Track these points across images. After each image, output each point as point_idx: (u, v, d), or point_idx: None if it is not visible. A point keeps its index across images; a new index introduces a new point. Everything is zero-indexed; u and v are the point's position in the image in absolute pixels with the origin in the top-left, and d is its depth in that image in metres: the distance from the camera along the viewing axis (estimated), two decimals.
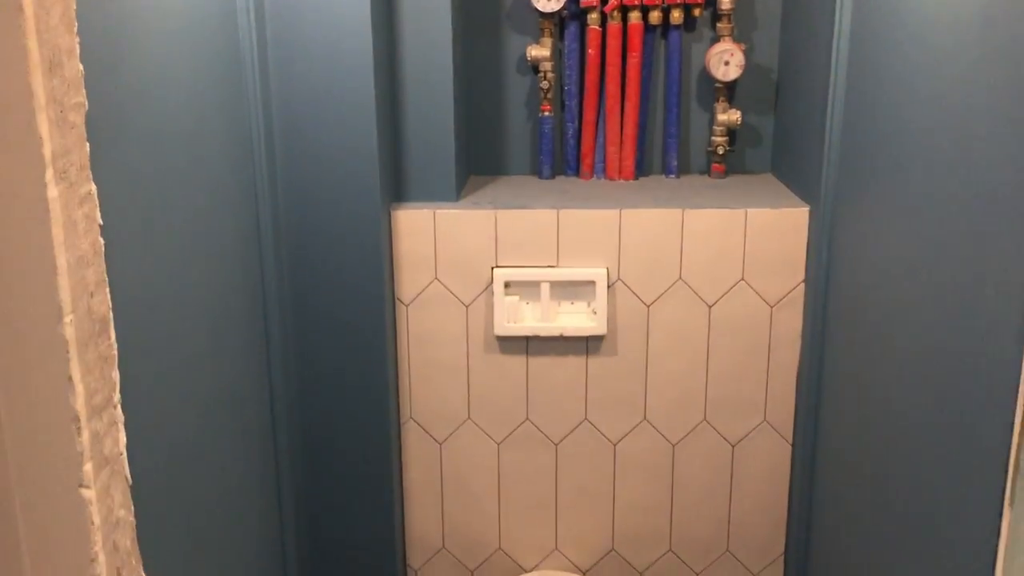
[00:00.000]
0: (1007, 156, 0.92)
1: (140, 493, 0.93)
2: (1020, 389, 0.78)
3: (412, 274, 1.68)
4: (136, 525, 0.85)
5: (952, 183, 1.08)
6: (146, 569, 0.87)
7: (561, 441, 1.76)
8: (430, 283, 1.69)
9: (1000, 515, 0.79)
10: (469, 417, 1.75)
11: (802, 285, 1.66)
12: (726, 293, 1.67)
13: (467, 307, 1.70)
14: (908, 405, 1.21)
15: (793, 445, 1.73)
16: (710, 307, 1.68)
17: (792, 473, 1.74)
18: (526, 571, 1.82)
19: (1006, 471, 0.79)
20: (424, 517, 1.80)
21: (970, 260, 1.01)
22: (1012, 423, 0.77)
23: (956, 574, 1.03)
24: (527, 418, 1.75)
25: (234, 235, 1.39)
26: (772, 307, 1.67)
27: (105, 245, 0.76)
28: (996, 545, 0.79)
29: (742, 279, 1.66)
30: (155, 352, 1.07)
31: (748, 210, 1.64)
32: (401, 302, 1.70)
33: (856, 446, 1.44)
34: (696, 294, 1.67)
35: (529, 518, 1.80)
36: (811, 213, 1.62)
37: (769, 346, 1.69)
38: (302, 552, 1.71)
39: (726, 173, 1.90)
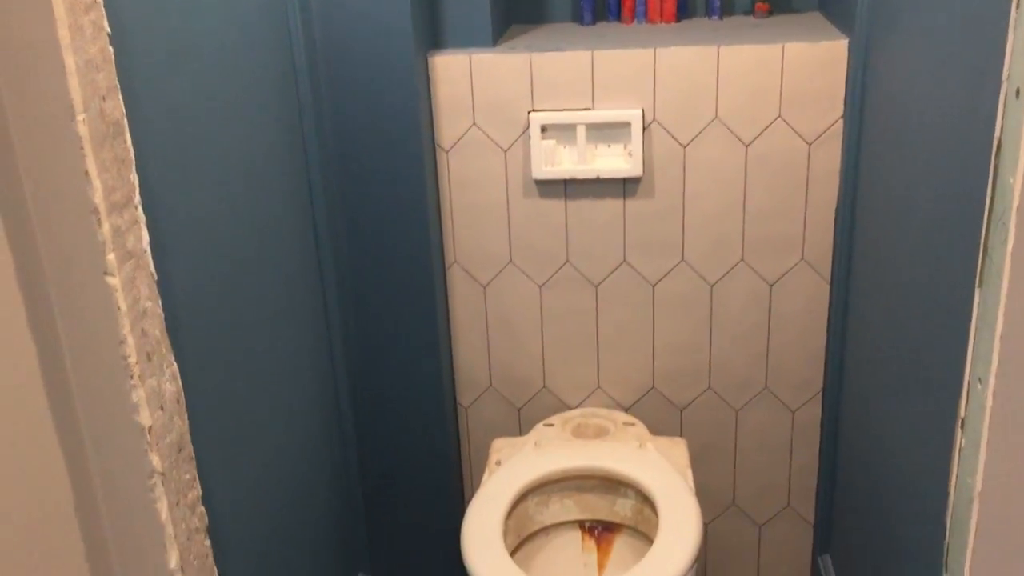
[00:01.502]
0: None
1: (191, 327, 1.02)
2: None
3: (451, 120, 1.72)
4: (183, 357, 0.93)
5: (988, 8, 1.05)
6: (195, 398, 0.97)
7: (601, 283, 1.80)
8: (468, 129, 1.72)
9: (972, 296, 0.81)
10: (511, 260, 1.81)
11: (840, 121, 1.64)
12: (763, 131, 1.66)
13: (505, 152, 1.73)
14: (940, 237, 1.21)
15: (831, 283, 1.74)
16: (747, 146, 1.68)
17: (830, 310, 1.76)
18: (570, 408, 1.90)
19: (976, 254, 0.80)
20: (471, 357, 1.89)
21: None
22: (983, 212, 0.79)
23: (935, 346, 1.06)
24: (567, 261, 1.79)
25: (271, 87, 1.44)
26: (810, 144, 1.66)
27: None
28: (969, 323, 0.81)
29: (779, 116, 1.65)
30: (197, 186, 1.15)
31: (785, 45, 1.61)
32: (441, 148, 1.74)
33: (887, 280, 1.45)
34: (733, 133, 1.67)
35: (572, 358, 1.87)
36: (850, 46, 1.59)
37: (807, 184, 1.69)
38: (356, 395, 1.81)
39: (771, 13, 1.86)
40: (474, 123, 1.72)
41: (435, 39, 1.71)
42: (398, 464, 1.88)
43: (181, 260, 1.08)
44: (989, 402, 0.78)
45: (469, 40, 1.71)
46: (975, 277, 0.82)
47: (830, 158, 1.66)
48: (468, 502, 1.84)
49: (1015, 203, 0.73)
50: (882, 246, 1.47)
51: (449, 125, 1.72)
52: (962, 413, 0.84)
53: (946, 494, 0.89)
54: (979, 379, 0.80)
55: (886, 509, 1.45)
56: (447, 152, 1.74)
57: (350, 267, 1.74)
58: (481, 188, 1.76)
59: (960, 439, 0.85)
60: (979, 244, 0.82)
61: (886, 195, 1.45)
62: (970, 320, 0.83)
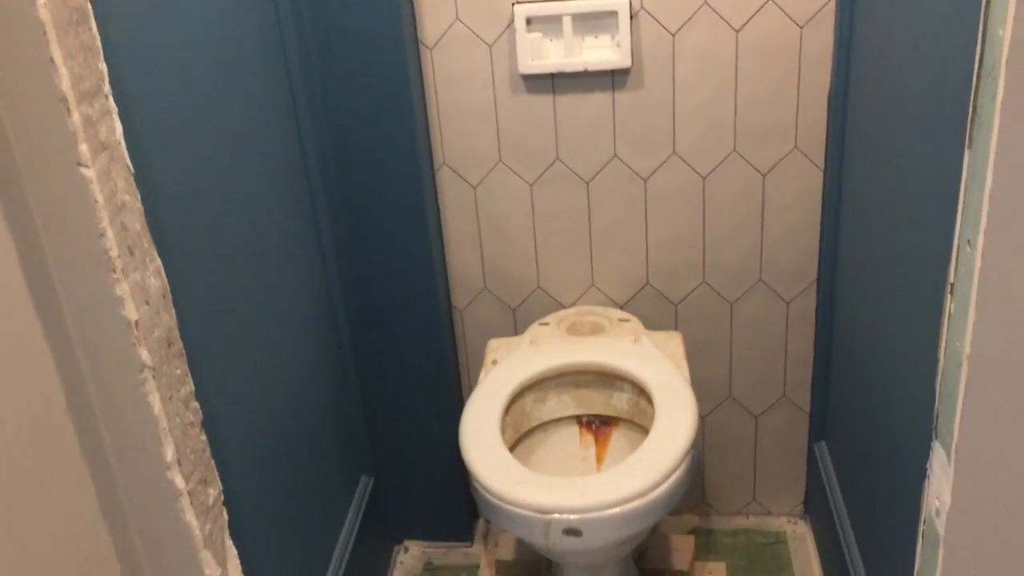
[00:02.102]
0: None
1: (174, 223, 1.00)
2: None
3: (433, 16, 1.68)
4: (167, 254, 0.92)
5: None
6: (183, 295, 0.96)
7: (592, 179, 1.79)
8: (452, 24, 1.68)
9: (962, 157, 0.80)
10: (500, 160, 1.78)
11: (832, 1, 1.59)
12: (754, 15, 1.62)
13: (490, 47, 1.69)
14: (933, 107, 1.19)
15: (824, 171, 1.72)
16: (737, 32, 1.64)
17: (824, 200, 1.74)
18: (565, 307, 1.90)
19: (967, 117, 0.79)
20: (464, 260, 1.88)
21: None
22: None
23: (927, 219, 1.05)
24: (557, 158, 1.77)
25: None
26: (802, 27, 1.62)
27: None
28: (959, 184, 0.80)
29: None
30: (171, 78, 1.12)
31: None
32: (425, 46, 1.70)
33: (880, 161, 1.43)
34: (722, 18, 1.63)
35: (565, 256, 1.86)
36: None
37: (799, 68, 1.65)
38: (350, 301, 1.81)
39: None
40: (457, 18, 1.68)
41: None
42: (395, 368, 1.89)
43: (159, 154, 1.07)
44: (978, 263, 0.77)
45: None
46: (965, 139, 0.80)
47: (822, 40, 1.62)
48: (465, 404, 1.85)
49: (1004, 55, 0.71)
50: (875, 126, 1.45)
51: (432, 21, 1.68)
52: (951, 278, 0.84)
53: (936, 361, 0.89)
54: (968, 241, 0.79)
55: (878, 390, 1.46)
56: (431, 50, 1.71)
57: (338, 172, 1.72)
58: (467, 86, 1.73)
59: (949, 304, 0.84)
60: (969, 106, 0.80)
61: (879, 73, 1.43)
62: (960, 184, 0.82)
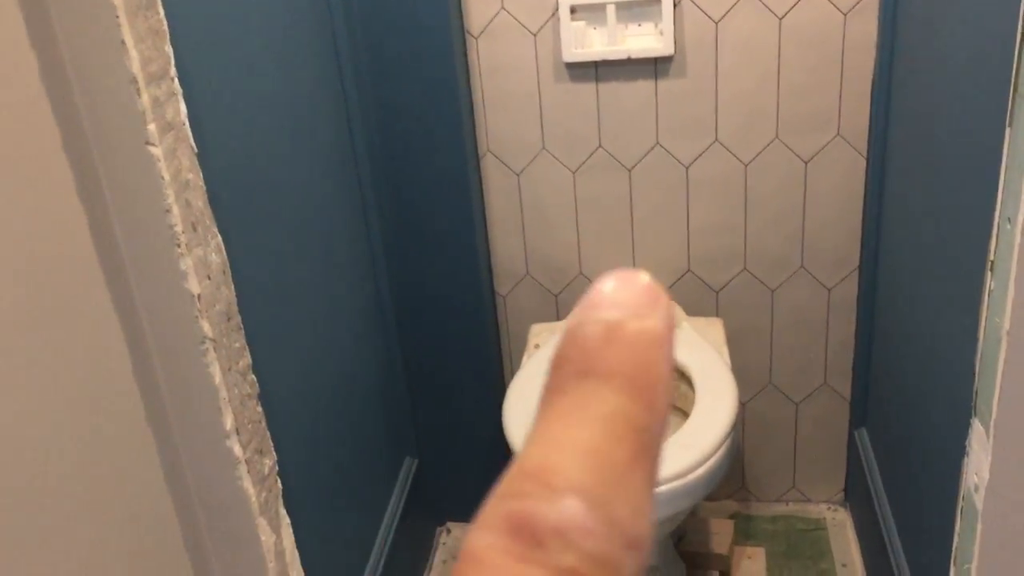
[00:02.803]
0: None
1: (232, 202, 1.05)
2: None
3: (479, 5, 1.71)
4: (225, 231, 0.96)
5: None
6: (239, 272, 1.00)
7: (634, 167, 1.81)
8: (497, 13, 1.71)
9: (1001, 138, 0.81)
10: (544, 147, 1.81)
11: None
12: (798, 2, 1.63)
13: (535, 36, 1.72)
14: (977, 90, 1.20)
15: (867, 158, 1.72)
16: (780, 19, 1.65)
17: (866, 187, 1.74)
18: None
19: (1008, 100, 0.80)
20: (508, 246, 1.91)
21: None
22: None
23: (960, 186, 1.06)
24: (600, 145, 1.80)
25: None
26: (846, 14, 1.63)
27: None
28: (999, 165, 0.82)
29: None
30: (230, 63, 1.16)
31: None
32: (470, 35, 1.73)
33: (920, 149, 1.43)
34: (765, 5, 1.64)
35: (607, 243, 1.88)
36: None
37: (842, 56, 1.66)
38: (395, 286, 1.85)
39: None
40: (503, 7, 1.71)
41: None
42: (439, 352, 1.92)
43: (218, 136, 1.11)
44: (1017, 239, 0.79)
45: None
46: (1006, 118, 0.82)
47: (866, 27, 1.63)
48: (507, 388, 1.88)
49: None
50: (919, 112, 1.46)
51: (477, 10, 1.71)
52: (991, 256, 0.85)
53: (975, 339, 0.90)
54: (1008, 219, 0.81)
55: (919, 376, 1.47)
56: (476, 38, 1.74)
57: (385, 158, 1.76)
58: (511, 74, 1.76)
59: (989, 281, 0.86)
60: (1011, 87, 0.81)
61: (923, 59, 1.43)
62: (1001, 162, 0.83)
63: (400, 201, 1.79)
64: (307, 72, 1.47)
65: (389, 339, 1.87)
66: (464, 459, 2.03)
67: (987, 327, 0.87)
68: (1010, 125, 0.80)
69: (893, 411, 1.66)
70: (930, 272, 1.40)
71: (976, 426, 0.92)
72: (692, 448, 1.43)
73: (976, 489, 0.92)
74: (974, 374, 0.92)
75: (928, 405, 1.44)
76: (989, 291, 0.86)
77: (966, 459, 0.95)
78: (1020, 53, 0.77)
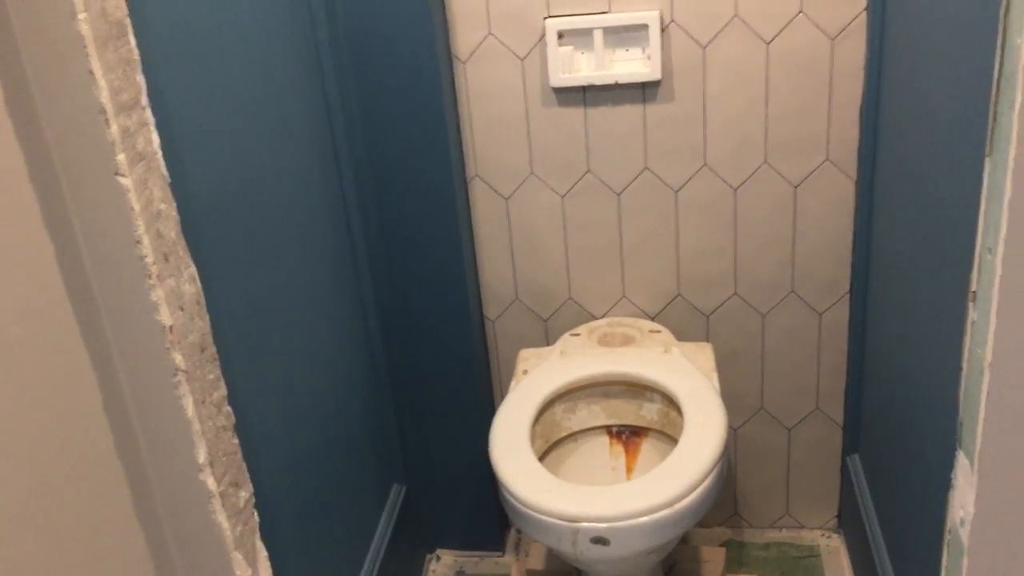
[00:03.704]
0: None
1: (209, 231, 1.03)
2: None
3: (466, 30, 1.70)
4: (202, 261, 0.95)
5: None
6: (217, 302, 0.99)
7: (623, 191, 1.80)
8: (485, 38, 1.71)
9: (982, 167, 0.80)
10: (532, 172, 1.80)
11: (864, 13, 1.59)
12: (785, 27, 1.63)
13: (522, 60, 1.72)
14: (961, 120, 1.19)
15: (857, 182, 1.71)
16: (768, 44, 1.64)
17: (856, 211, 1.73)
18: (596, 318, 1.91)
19: (987, 126, 0.79)
20: (496, 271, 1.90)
21: None
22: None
23: (945, 215, 1.06)
24: (588, 169, 1.79)
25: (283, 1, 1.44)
26: (833, 39, 1.62)
27: None
28: (979, 193, 0.80)
29: (801, 11, 1.61)
30: (208, 91, 1.15)
31: None
32: (458, 59, 1.73)
33: (906, 174, 1.43)
34: (753, 31, 1.64)
35: (596, 267, 1.87)
36: None
37: (831, 80, 1.65)
38: (383, 311, 1.83)
39: None
40: (490, 32, 1.70)
41: None
42: (427, 377, 1.91)
43: (196, 163, 1.10)
44: (999, 271, 0.77)
45: None
46: (985, 147, 0.81)
47: (854, 53, 1.62)
48: (495, 414, 1.86)
49: (1022, 64, 0.71)
50: (905, 137, 1.45)
51: (465, 35, 1.71)
52: (973, 286, 0.84)
53: (959, 370, 0.89)
54: (989, 249, 0.79)
55: (910, 402, 1.45)
56: (464, 63, 1.73)
57: (372, 182, 1.75)
58: (499, 98, 1.75)
59: (972, 313, 0.84)
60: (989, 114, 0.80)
61: (908, 85, 1.42)
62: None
63: (387, 225, 1.78)
64: (291, 97, 1.46)
65: (376, 365, 1.86)
66: (453, 485, 2.01)
67: (970, 359, 0.86)
68: (989, 155, 0.79)
69: (884, 438, 1.65)
70: (918, 298, 1.39)
71: (961, 458, 0.90)
72: (681, 476, 1.42)
73: (962, 523, 0.91)
74: (958, 405, 0.90)
75: (918, 432, 1.42)
76: (972, 322, 0.85)
77: (952, 492, 0.93)
78: (999, 84, 0.76)
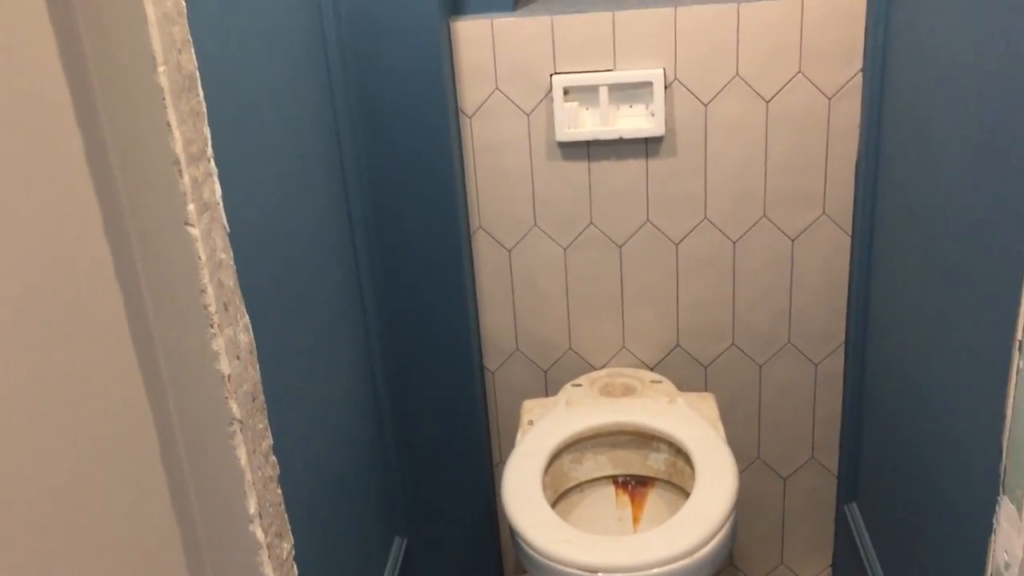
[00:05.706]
0: None
1: (253, 284, 1.04)
2: None
3: (473, 86, 1.74)
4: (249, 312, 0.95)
5: None
6: (261, 352, 0.99)
7: (625, 243, 1.83)
8: (491, 94, 1.74)
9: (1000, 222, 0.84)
10: (535, 224, 1.83)
11: (860, 75, 1.66)
12: (784, 87, 1.69)
13: (528, 115, 1.75)
14: (961, 189, 1.24)
15: (852, 236, 1.77)
16: (767, 102, 1.70)
17: (851, 264, 1.79)
18: (595, 368, 1.93)
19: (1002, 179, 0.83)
20: (498, 322, 1.91)
21: None
22: None
23: (957, 269, 1.10)
24: (591, 222, 1.82)
25: (301, 59, 1.46)
26: (830, 99, 1.69)
27: None
28: (996, 245, 0.84)
29: (799, 72, 1.68)
30: (248, 157, 1.17)
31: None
32: (464, 114, 1.76)
33: (912, 227, 1.48)
34: (753, 90, 1.69)
35: (597, 319, 1.89)
36: None
37: (827, 138, 1.71)
38: (387, 362, 1.83)
39: None
40: (497, 88, 1.74)
41: (456, 5, 1.73)
42: (429, 429, 1.90)
43: (243, 216, 1.10)
44: None
45: (489, 5, 1.72)
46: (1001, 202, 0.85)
47: (850, 112, 1.69)
48: (496, 465, 1.87)
49: None
50: (910, 192, 1.50)
51: (472, 90, 1.74)
52: (1019, 336, 0.87)
53: (1002, 417, 0.92)
54: None
55: (914, 449, 1.49)
56: (470, 118, 1.76)
57: (378, 236, 1.76)
58: (505, 152, 1.78)
59: (1017, 360, 0.88)
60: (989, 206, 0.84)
61: (910, 141, 1.48)
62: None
63: (392, 275, 1.79)
64: (308, 151, 1.47)
65: (381, 417, 1.85)
66: (453, 537, 1.99)
67: (1015, 406, 0.89)
68: None
69: (890, 486, 1.68)
70: (927, 349, 1.43)
71: (1005, 503, 0.93)
72: (697, 526, 1.43)
73: (1007, 567, 0.93)
74: (1002, 452, 0.93)
75: (925, 481, 1.45)
76: (1017, 370, 0.88)
77: (993, 536, 0.96)
78: None
